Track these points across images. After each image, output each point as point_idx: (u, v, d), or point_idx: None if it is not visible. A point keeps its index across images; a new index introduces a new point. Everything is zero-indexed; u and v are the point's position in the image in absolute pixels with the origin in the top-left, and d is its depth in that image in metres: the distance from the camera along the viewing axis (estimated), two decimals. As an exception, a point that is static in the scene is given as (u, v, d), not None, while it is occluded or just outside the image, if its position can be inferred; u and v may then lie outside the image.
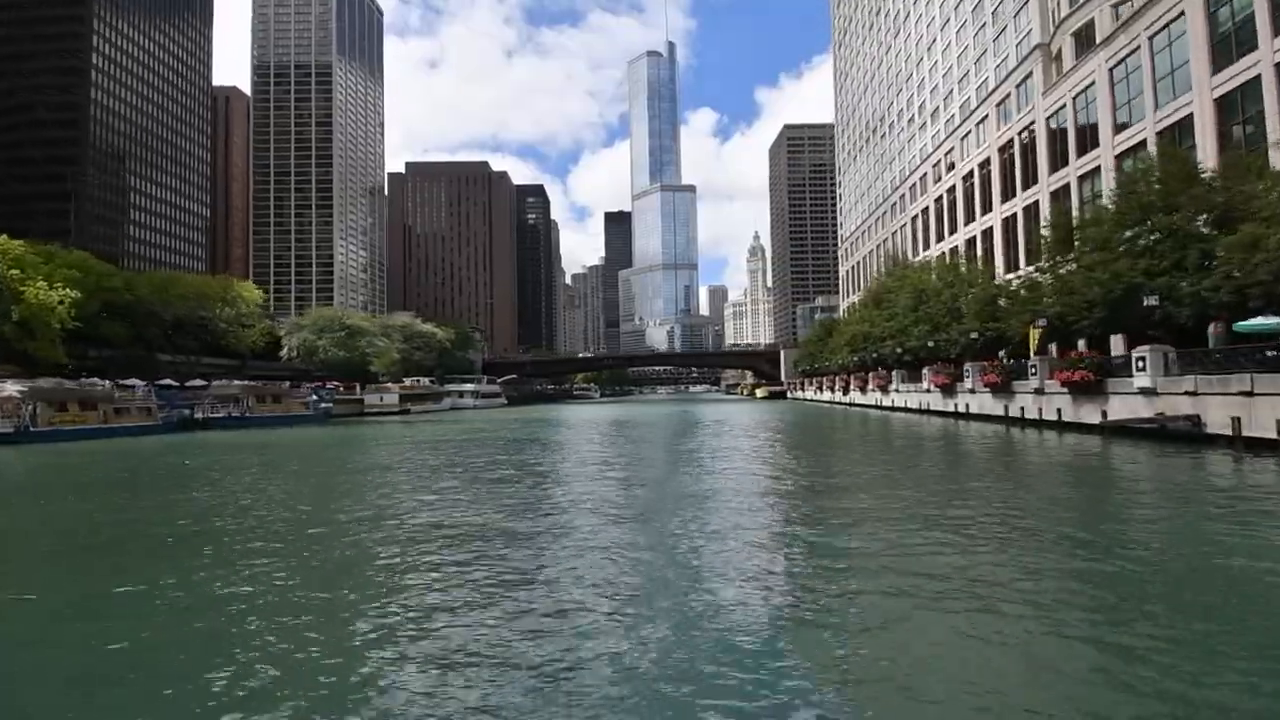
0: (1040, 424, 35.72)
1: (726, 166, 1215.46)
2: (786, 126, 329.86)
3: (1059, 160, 50.48)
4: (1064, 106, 49.47)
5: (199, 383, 68.35)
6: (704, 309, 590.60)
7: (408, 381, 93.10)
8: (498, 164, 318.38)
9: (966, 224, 67.04)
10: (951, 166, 71.53)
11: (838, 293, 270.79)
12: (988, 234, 61.94)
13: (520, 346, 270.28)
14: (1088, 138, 46.86)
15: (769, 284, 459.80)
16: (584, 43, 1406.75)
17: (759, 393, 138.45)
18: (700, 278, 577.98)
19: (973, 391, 43.55)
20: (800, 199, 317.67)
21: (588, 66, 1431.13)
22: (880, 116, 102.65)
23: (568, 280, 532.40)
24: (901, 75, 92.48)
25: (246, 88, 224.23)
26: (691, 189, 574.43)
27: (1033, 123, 54.06)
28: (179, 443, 41.55)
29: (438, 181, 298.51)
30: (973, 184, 65.92)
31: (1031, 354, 37.43)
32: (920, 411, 52.90)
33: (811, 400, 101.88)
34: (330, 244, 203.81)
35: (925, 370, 51.75)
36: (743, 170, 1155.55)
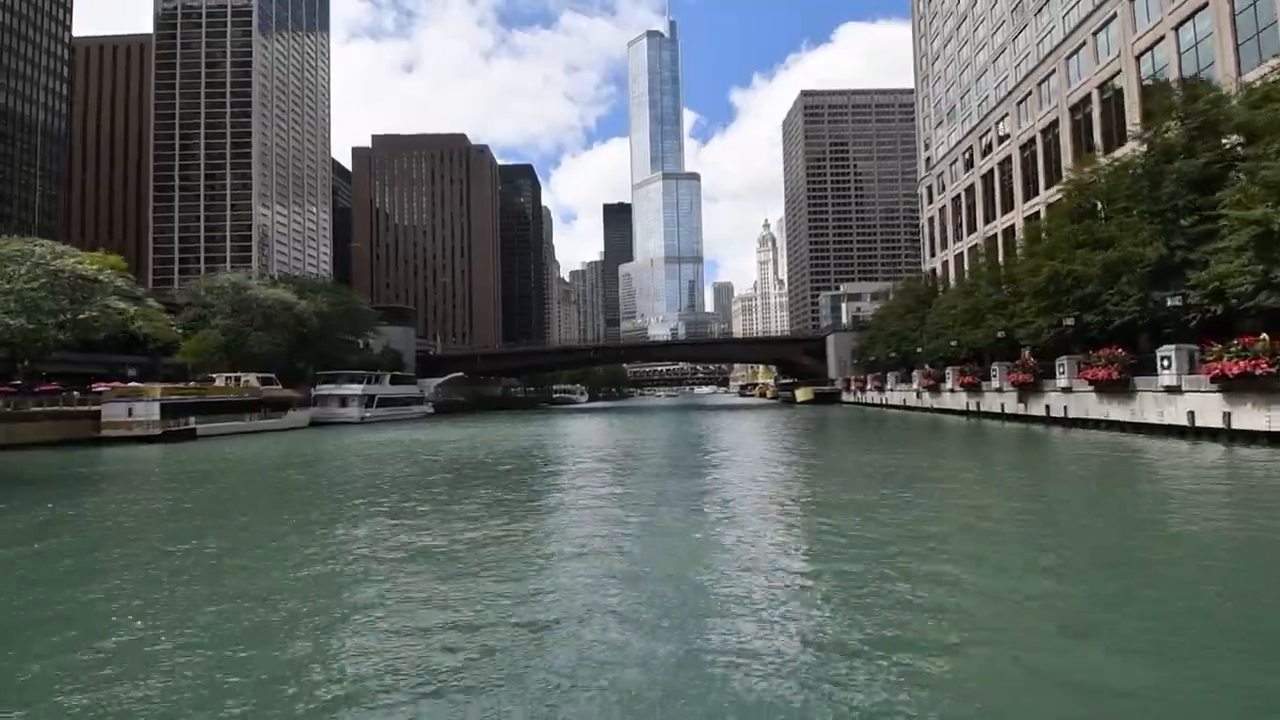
0: None
1: (708, 169, 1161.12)
2: (804, 93, 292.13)
3: None
4: None
5: None
6: (709, 307, 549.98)
7: (219, 380, 53.63)
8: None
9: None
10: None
11: (861, 279, 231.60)
12: None
13: (506, 344, 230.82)
14: None
15: (781, 275, 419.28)
16: (559, 45, 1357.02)
17: (800, 395, 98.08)
18: (701, 275, 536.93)
19: None
20: (820, 175, 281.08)
21: (564, 70, 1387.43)
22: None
23: (563, 276, 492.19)
24: None
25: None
26: (695, 177, 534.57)
27: None
28: None
29: (409, 157, 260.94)
30: None
31: None
32: None
33: (905, 408, 61.74)
34: (249, 211, 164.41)
35: None
36: (727, 171, 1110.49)
